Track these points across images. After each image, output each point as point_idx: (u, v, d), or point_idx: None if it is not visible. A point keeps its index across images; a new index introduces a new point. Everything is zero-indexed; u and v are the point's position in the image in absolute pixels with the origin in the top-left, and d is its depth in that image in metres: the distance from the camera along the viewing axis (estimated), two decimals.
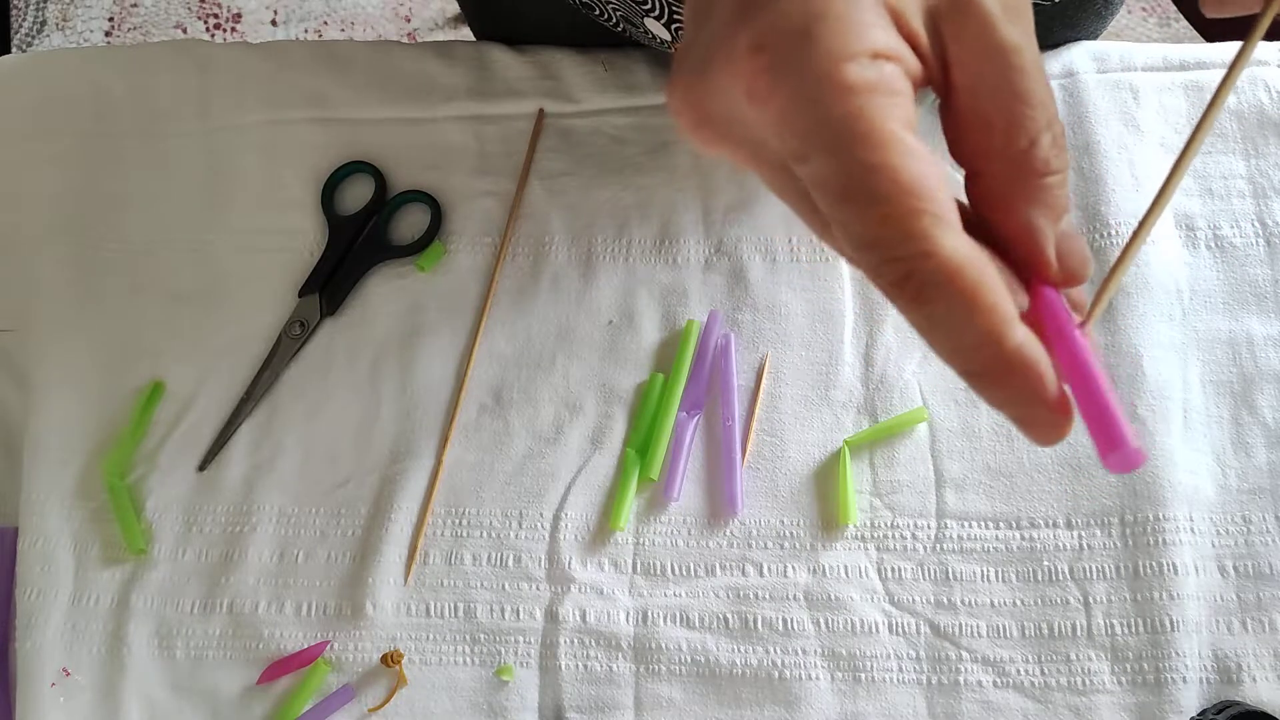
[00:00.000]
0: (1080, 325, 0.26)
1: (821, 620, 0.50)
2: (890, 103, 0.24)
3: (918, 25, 0.25)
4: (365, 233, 0.59)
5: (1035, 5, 0.55)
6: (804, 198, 0.27)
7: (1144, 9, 1.59)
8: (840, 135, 0.24)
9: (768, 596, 0.51)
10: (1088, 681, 0.48)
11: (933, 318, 0.24)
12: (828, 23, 0.24)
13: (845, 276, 0.56)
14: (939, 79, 0.26)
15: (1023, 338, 0.24)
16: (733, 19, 0.25)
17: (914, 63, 0.25)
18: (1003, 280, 0.24)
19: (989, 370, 0.24)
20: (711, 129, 0.27)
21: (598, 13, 0.58)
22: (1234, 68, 0.28)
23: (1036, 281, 0.26)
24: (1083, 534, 0.51)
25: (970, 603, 0.50)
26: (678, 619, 0.50)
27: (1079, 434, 0.52)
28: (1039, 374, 0.24)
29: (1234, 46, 0.34)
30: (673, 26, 0.55)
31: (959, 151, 0.27)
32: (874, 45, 0.24)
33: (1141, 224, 0.28)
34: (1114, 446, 0.23)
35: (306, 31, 1.59)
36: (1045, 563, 0.50)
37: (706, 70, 0.26)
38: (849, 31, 0.24)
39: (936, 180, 0.24)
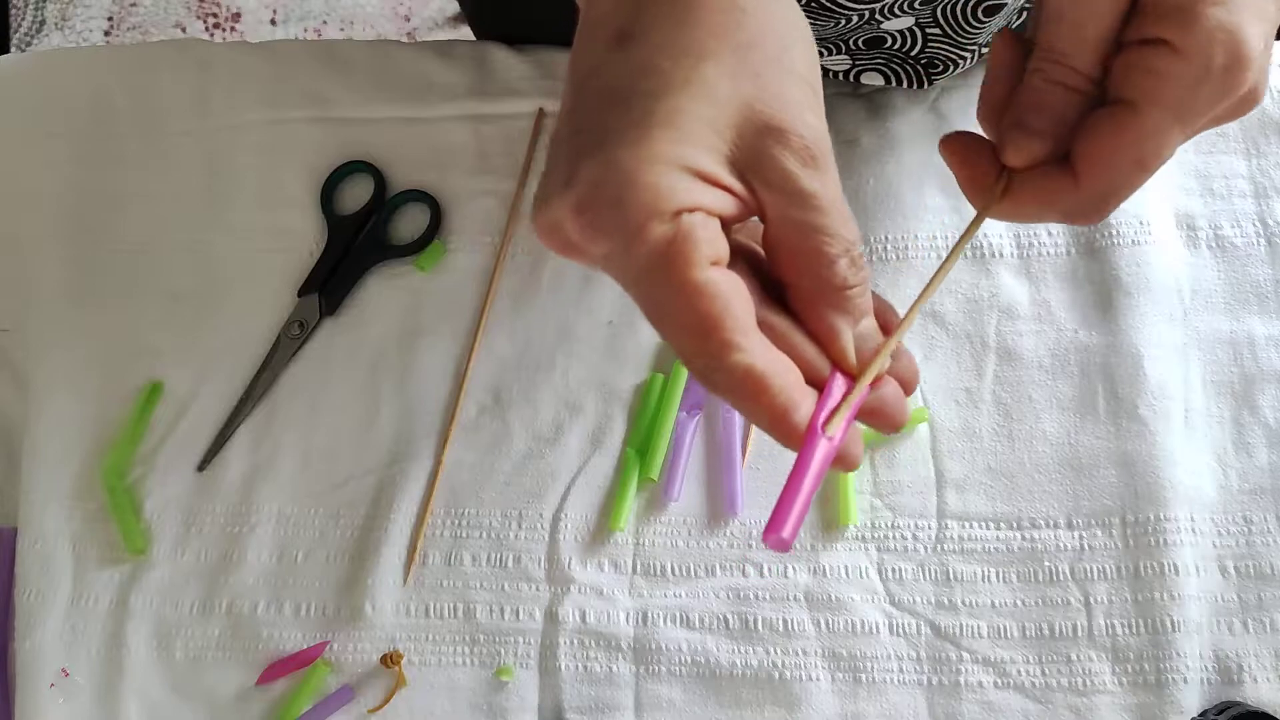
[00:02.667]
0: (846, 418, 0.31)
1: (822, 621, 0.50)
2: (689, 250, 0.28)
3: (729, 180, 0.30)
4: (365, 232, 0.59)
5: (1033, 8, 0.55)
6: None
7: None
8: (646, 281, 0.29)
9: (768, 597, 0.51)
10: (1089, 682, 0.48)
11: (735, 405, 0.30)
12: (635, 190, 0.28)
13: None
14: (758, 211, 0.31)
15: (801, 415, 0.30)
16: (564, 180, 0.30)
17: (725, 207, 0.30)
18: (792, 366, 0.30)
19: (781, 437, 0.30)
20: (566, 253, 0.32)
21: None
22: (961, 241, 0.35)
23: (832, 370, 0.32)
24: (1083, 534, 0.51)
25: (971, 603, 0.50)
26: (678, 619, 0.50)
27: (1081, 435, 0.52)
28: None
29: None
30: None
31: (774, 265, 0.32)
32: (677, 205, 0.29)
33: (912, 308, 0.34)
34: (774, 530, 0.29)
35: (306, 31, 1.59)
36: (1046, 563, 0.50)
37: (548, 214, 0.31)
38: (654, 196, 0.28)
39: (726, 307, 0.29)
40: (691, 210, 0.29)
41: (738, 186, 0.30)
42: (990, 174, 0.35)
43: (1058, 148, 0.34)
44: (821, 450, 0.30)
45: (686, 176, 0.29)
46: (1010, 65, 0.35)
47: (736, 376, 0.29)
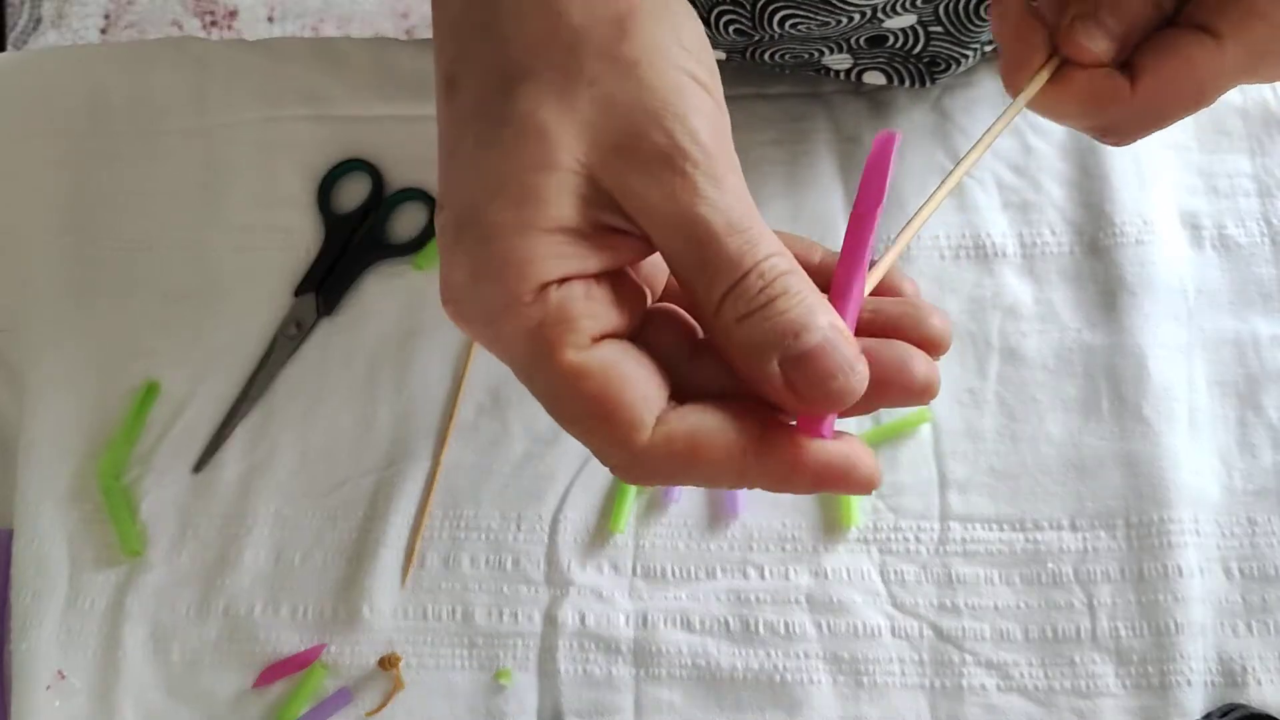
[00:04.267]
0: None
1: (823, 623, 0.50)
2: (561, 332, 0.25)
3: (609, 220, 0.26)
4: (362, 231, 0.58)
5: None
6: None
7: None
8: (525, 373, 0.26)
9: (769, 599, 0.50)
10: (1092, 685, 0.48)
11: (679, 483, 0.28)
12: (486, 282, 0.25)
13: None
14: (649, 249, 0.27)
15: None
16: (439, 264, 0.27)
17: (609, 259, 0.26)
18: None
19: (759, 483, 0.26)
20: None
21: None
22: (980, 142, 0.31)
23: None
24: (1087, 536, 0.50)
25: (974, 605, 0.50)
26: (678, 622, 0.50)
27: (1084, 435, 0.52)
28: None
29: None
30: None
31: (687, 303, 0.28)
32: (539, 280, 0.25)
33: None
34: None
35: (303, 28, 1.59)
36: (1049, 565, 0.50)
37: (447, 307, 0.27)
38: (507, 278, 0.25)
39: (620, 386, 0.25)
40: (561, 281, 0.25)
41: (619, 223, 0.26)
42: (1038, 58, 0.33)
43: (1121, 52, 0.32)
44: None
45: (547, 240, 0.25)
46: None
47: (658, 458, 0.25)
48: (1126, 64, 0.33)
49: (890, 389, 0.27)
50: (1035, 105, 0.33)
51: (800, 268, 0.26)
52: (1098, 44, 0.32)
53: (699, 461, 0.25)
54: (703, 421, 0.25)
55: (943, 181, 0.30)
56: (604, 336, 0.26)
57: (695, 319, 0.28)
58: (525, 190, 0.25)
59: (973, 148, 0.31)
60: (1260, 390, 0.53)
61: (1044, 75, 0.33)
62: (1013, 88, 0.33)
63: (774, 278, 0.25)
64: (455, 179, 0.26)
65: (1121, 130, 0.33)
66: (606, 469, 0.27)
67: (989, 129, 0.32)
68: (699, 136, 0.25)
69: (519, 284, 0.25)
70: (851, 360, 0.25)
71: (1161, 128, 0.33)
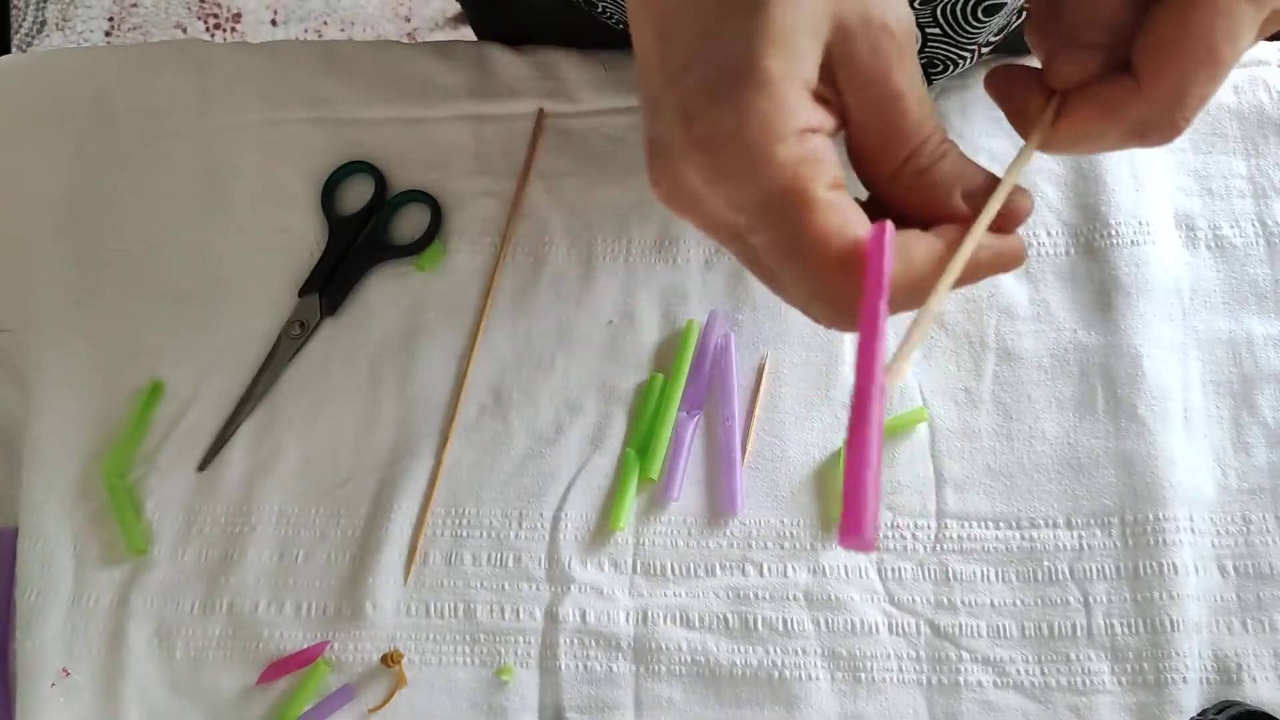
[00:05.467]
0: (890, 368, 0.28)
1: (822, 620, 0.50)
2: (815, 171, 0.28)
3: (823, 88, 0.29)
4: (365, 233, 0.59)
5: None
6: (757, 261, 0.32)
7: None
8: (775, 207, 0.29)
9: (768, 596, 0.51)
10: (1088, 681, 0.48)
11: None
12: (754, 119, 0.28)
13: None
14: (843, 121, 0.30)
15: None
16: (677, 124, 0.29)
17: (832, 122, 0.30)
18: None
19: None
20: (684, 204, 0.31)
21: (599, 9, 0.58)
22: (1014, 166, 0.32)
23: (870, 306, 0.28)
24: (1083, 534, 0.51)
25: (970, 603, 0.50)
26: (678, 619, 0.50)
27: (1080, 435, 0.52)
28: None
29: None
30: None
31: (858, 164, 0.31)
32: (798, 124, 0.28)
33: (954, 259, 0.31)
34: (853, 532, 0.26)
35: (306, 31, 1.59)
36: (1045, 563, 0.50)
37: (668, 163, 0.30)
38: (775, 119, 0.28)
39: (856, 222, 0.28)
40: (815, 130, 0.28)
41: (829, 94, 0.29)
42: (1038, 102, 0.33)
43: (1112, 61, 0.31)
44: (876, 413, 0.27)
45: (803, 93, 0.28)
46: None
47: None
48: (1128, 64, 0.31)
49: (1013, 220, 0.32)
50: (1052, 146, 0.33)
51: None
52: (1082, 64, 0.31)
53: (914, 285, 0.29)
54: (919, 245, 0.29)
55: (967, 236, 0.31)
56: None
57: (866, 177, 0.32)
58: (793, 45, 0.28)
59: (991, 198, 0.31)
60: (1254, 390, 0.53)
61: (1049, 114, 0.32)
62: (1026, 135, 0.33)
63: (943, 138, 0.31)
64: (705, 43, 0.29)
65: (1156, 124, 0.31)
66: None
67: (1006, 172, 0.32)
68: (903, 20, 0.29)
69: (788, 123, 0.28)
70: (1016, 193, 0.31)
71: (1196, 103, 0.31)
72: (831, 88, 0.29)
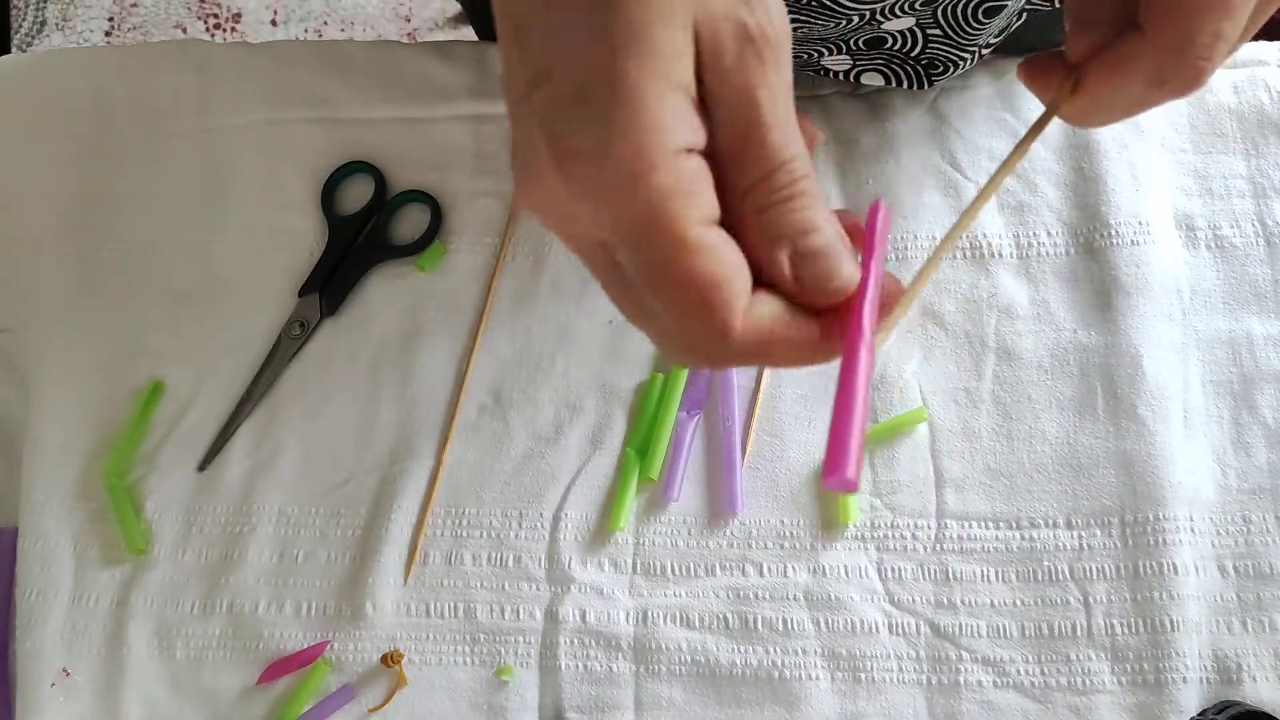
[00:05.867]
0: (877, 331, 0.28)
1: (821, 620, 0.50)
2: (687, 206, 0.25)
3: (702, 89, 0.26)
4: (365, 233, 0.59)
5: (1033, 9, 0.55)
6: (623, 282, 0.29)
7: None
8: (644, 240, 0.26)
9: (768, 596, 0.51)
10: (1088, 681, 0.48)
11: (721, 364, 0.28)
12: (624, 141, 0.25)
13: None
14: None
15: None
16: (540, 131, 0.26)
17: (701, 137, 0.27)
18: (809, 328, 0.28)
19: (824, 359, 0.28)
20: (549, 219, 0.28)
21: None
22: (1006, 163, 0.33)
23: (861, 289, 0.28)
24: (1083, 534, 0.51)
25: (970, 603, 0.50)
26: (678, 619, 0.50)
27: (1080, 435, 0.52)
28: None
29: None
30: None
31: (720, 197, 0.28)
32: (674, 145, 0.25)
33: (942, 242, 0.32)
34: (835, 470, 0.26)
35: (306, 31, 1.59)
36: (1045, 563, 0.50)
37: (532, 176, 0.27)
38: (647, 141, 0.25)
39: (728, 268, 0.26)
40: (692, 149, 0.26)
41: (701, 94, 0.26)
42: (1059, 78, 0.34)
43: (1121, 27, 0.31)
44: (865, 363, 0.27)
45: (681, 103, 0.25)
46: None
47: (748, 344, 0.27)
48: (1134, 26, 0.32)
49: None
50: (1072, 115, 0.34)
51: (812, 172, 0.28)
52: (1088, 34, 0.32)
53: (776, 350, 0.27)
54: (779, 312, 0.27)
55: (983, 189, 0.31)
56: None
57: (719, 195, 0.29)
58: (659, 43, 0.25)
59: (1014, 150, 0.32)
60: (1254, 390, 0.53)
61: (1068, 85, 0.34)
62: (1047, 102, 0.34)
63: (798, 177, 0.27)
64: (561, 44, 0.26)
65: (1174, 72, 0.31)
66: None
67: (1018, 143, 0.33)
68: (777, 25, 0.27)
69: (660, 144, 0.25)
70: (848, 268, 0.28)
71: (1211, 41, 0.30)
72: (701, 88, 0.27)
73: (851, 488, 0.26)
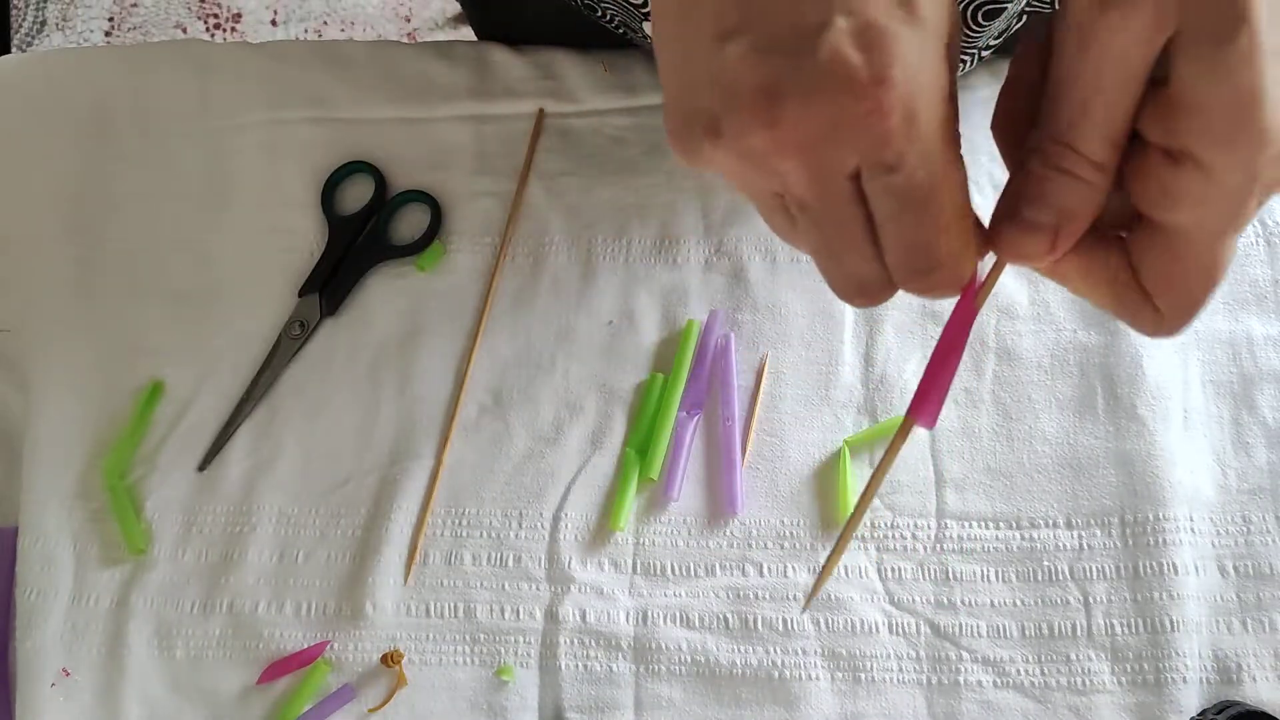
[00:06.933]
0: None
1: (821, 620, 0.50)
2: (958, 139, 0.29)
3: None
4: (365, 233, 0.59)
5: (1033, 10, 0.55)
6: (794, 230, 0.31)
7: None
8: (918, 162, 0.27)
9: (768, 596, 0.51)
10: (1088, 681, 0.48)
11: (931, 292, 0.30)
12: (906, 73, 0.26)
13: None
14: None
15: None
16: (757, 79, 0.26)
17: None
18: None
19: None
20: (736, 174, 0.29)
21: (599, 14, 0.59)
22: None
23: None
24: (1083, 534, 0.51)
25: (970, 603, 0.50)
26: (678, 619, 0.50)
27: (1080, 434, 0.52)
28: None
29: None
30: None
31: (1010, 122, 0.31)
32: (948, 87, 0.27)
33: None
34: (927, 413, 0.32)
35: (306, 31, 1.59)
36: (1045, 563, 0.50)
37: (732, 124, 0.27)
38: (937, 71, 0.27)
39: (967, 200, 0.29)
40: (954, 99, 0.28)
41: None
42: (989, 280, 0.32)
43: (1063, 243, 0.29)
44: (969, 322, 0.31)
45: (941, 49, 0.27)
46: (1031, 83, 0.30)
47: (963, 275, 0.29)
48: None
49: None
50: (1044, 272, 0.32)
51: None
52: (1025, 243, 0.30)
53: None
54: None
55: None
56: None
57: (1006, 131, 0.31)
58: None
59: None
60: (1254, 390, 0.53)
61: (989, 279, 0.32)
62: (965, 299, 0.32)
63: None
64: None
65: (1163, 329, 0.30)
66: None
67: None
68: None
69: (945, 81, 0.28)
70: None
71: (1202, 305, 0.29)
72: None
73: (930, 425, 0.32)
